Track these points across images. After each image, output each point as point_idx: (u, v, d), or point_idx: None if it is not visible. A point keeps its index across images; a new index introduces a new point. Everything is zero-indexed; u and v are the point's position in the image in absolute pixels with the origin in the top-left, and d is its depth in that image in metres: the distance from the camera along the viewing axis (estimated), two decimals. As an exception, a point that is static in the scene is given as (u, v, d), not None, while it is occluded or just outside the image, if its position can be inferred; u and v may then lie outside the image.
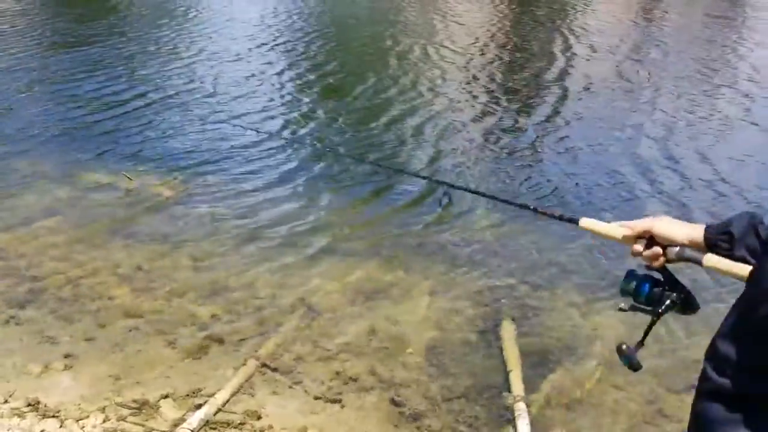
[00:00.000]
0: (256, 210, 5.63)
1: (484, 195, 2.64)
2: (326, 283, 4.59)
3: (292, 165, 6.73)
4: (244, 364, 3.78)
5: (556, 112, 8.97)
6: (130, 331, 4.04)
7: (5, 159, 6.47)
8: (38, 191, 5.73)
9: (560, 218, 1.79)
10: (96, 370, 3.73)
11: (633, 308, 1.47)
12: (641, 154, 7.28)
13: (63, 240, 4.89)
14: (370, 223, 5.57)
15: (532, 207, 1.97)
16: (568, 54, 12.88)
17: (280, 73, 10.84)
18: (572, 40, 14.39)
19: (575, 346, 3.90)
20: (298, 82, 10.44)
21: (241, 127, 7.82)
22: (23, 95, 9.08)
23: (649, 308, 1.43)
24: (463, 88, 10.13)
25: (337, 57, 12.43)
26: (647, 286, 1.45)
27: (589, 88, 10.24)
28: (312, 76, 10.75)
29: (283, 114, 8.35)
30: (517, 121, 8.53)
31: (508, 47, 13.70)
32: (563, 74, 11.18)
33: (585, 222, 1.71)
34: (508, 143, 7.65)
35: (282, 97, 9.46)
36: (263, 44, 13.06)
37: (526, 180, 6.54)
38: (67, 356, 3.81)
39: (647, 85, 10.59)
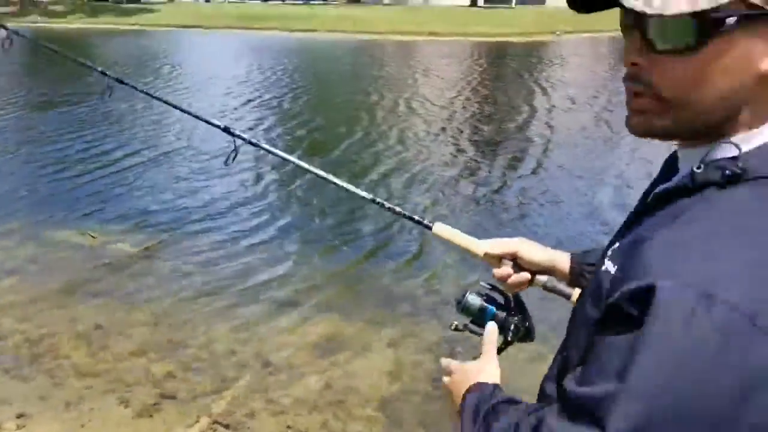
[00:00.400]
0: (220, 266, 5.65)
1: (276, 154, 2.03)
2: (285, 337, 4.58)
3: (271, 223, 6.74)
4: (196, 422, 3.75)
5: (539, 164, 9.07)
6: (85, 389, 4.02)
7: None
8: (2, 250, 5.78)
9: (410, 219, 1.62)
10: (48, 429, 3.70)
11: (468, 329, 1.36)
12: (626, 203, 7.32)
13: (22, 299, 4.90)
14: (331, 276, 5.57)
15: (378, 201, 1.72)
16: (548, 106, 13.12)
17: (267, 130, 11.00)
18: (551, 91, 14.69)
19: (534, 396, 3.87)
20: (286, 137, 10.60)
21: (221, 183, 7.93)
22: (10, 156, 9.22)
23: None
24: (448, 141, 10.28)
25: (323, 112, 12.65)
26: (493, 309, 1.34)
27: (570, 140, 10.39)
28: (299, 132, 10.90)
29: (268, 171, 8.41)
30: (503, 174, 8.61)
31: (490, 100, 13.94)
32: (544, 126, 11.36)
33: (440, 228, 1.54)
34: (493, 196, 7.71)
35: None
36: (249, 101, 13.30)
37: (511, 234, 6.54)
38: (19, 416, 3.79)
39: (626, 134, 10.71)
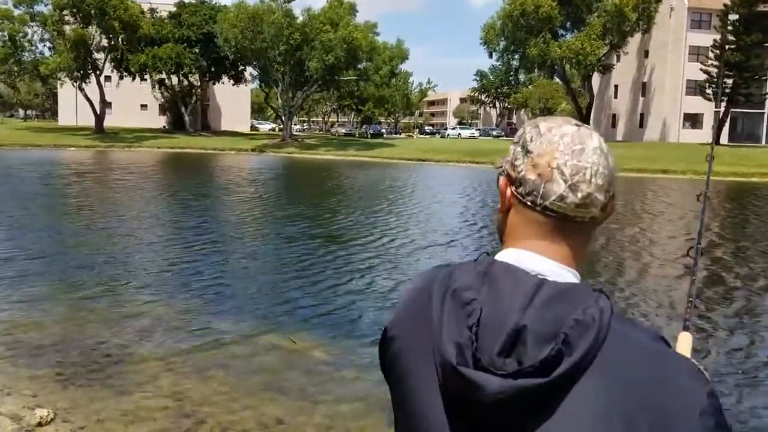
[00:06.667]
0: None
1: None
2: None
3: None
4: None
5: None
6: (257, 475, 4.53)
7: (205, 320, 7.68)
8: (218, 346, 6.75)
9: None
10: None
11: None
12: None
13: (225, 389, 5.66)
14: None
15: None
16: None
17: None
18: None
19: None
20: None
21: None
22: (256, 261, 10.70)
23: None
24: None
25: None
26: None
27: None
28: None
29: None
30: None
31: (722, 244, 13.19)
32: None
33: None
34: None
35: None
36: (467, 222, 13.99)
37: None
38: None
39: None
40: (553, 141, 1.03)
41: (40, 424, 4.90)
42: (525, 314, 0.93)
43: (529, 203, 1.03)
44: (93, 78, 59.99)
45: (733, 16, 51.75)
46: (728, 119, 55.19)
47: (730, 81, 52.19)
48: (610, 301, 0.96)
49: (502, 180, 1.08)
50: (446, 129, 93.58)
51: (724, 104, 53.17)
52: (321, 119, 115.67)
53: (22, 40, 58.47)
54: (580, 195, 1.01)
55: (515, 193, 1.05)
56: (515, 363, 0.92)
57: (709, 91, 53.49)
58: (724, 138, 54.96)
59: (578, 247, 1.05)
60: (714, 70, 52.53)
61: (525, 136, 1.06)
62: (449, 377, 0.95)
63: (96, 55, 60.20)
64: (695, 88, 57.08)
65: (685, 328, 1.42)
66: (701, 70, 53.52)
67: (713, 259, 11.80)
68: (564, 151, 1.02)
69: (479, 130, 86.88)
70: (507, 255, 1.04)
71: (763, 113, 60.20)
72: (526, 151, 1.04)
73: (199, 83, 68.74)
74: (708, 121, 59.29)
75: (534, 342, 0.92)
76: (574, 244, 1.04)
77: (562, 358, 0.91)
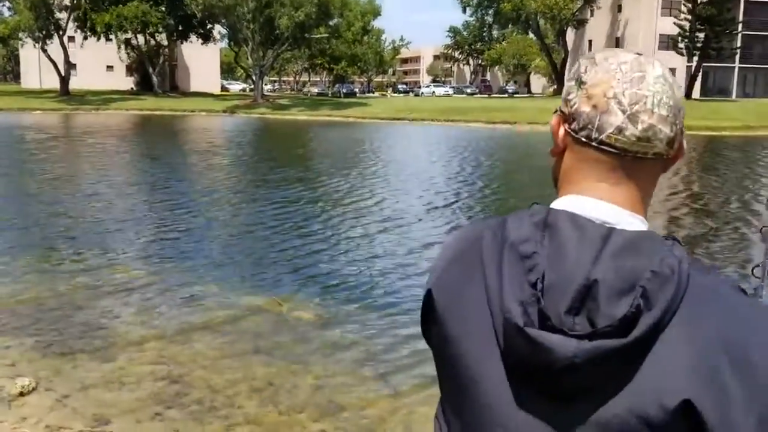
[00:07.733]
0: (382, 340, 5.96)
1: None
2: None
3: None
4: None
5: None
6: (251, 437, 4.44)
7: (189, 284, 7.53)
8: (204, 310, 6.62)
9: None
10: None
11: None
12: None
13: (213, 353, 5.56)
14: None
15: None
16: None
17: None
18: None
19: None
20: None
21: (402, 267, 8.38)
22: (233, 222, 10.51)
23: None
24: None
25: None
26: None
27: None
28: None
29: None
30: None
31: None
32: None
33: None
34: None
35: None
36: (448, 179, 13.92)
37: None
38: (194, 455, 4.28)
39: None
40: (609, 69, 0.93)
41: (21, 394, 4.75)
42: (595, 267, 0.84)
43: (583, 139, 0.93)
44: (56, 38, 58.14)
45: (705, -31, 51.60)
46: (700, 73, 55.40)
47: (702, 35, 52.27)
48: (684, 250, 0.87)
49: (555, 118, 0.98)
50: (420, 87, 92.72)
51: (696, 58, 53.32)
52: (292, 79, 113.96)
53: (-21, 0, 56.47)
54: (640, 127, 0.90)
55: (568, 130, 0.95)
56: (586, 321, 0.83)
57: (681, 45, 53.54)
58: (696, 92, 55.24)
59: (644, 190, 0.94)
60: (687, 24, 52.52)
61: (579, 68, 0.96)
62: (514, 340, 0.85)
63: (58, 15, 58.23)
64: (668, 43, 57.10)
65: None
66: (674, 24, 53.46)
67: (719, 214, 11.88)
68: (622, 79, 0.91)
69: (453, 87, 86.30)
70: (565, 202, 0.94)
71: (734, 67, 60.57)
72: (580, 83, 0.94)
73: (166, 43, 67.03)
74: (681, 76, 59.49)
75: (607, 297, 0.82)
76: (639, 185, 0.93)
77: (640, 315, 0.81)
